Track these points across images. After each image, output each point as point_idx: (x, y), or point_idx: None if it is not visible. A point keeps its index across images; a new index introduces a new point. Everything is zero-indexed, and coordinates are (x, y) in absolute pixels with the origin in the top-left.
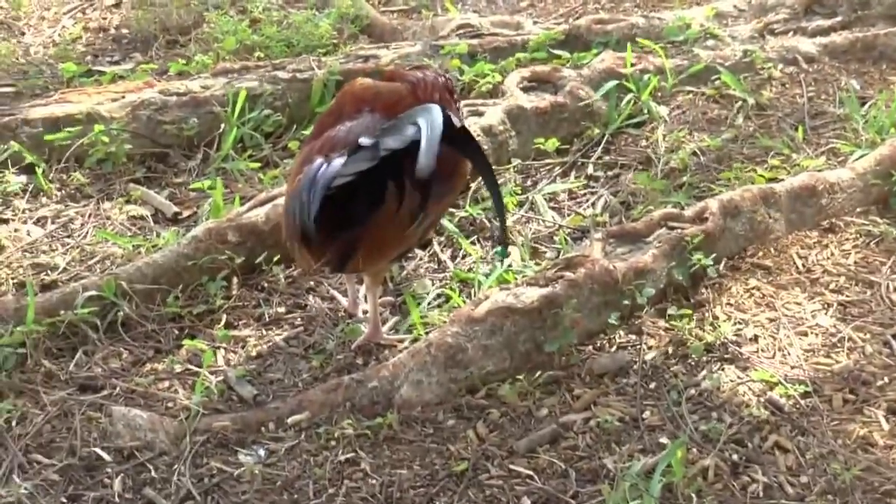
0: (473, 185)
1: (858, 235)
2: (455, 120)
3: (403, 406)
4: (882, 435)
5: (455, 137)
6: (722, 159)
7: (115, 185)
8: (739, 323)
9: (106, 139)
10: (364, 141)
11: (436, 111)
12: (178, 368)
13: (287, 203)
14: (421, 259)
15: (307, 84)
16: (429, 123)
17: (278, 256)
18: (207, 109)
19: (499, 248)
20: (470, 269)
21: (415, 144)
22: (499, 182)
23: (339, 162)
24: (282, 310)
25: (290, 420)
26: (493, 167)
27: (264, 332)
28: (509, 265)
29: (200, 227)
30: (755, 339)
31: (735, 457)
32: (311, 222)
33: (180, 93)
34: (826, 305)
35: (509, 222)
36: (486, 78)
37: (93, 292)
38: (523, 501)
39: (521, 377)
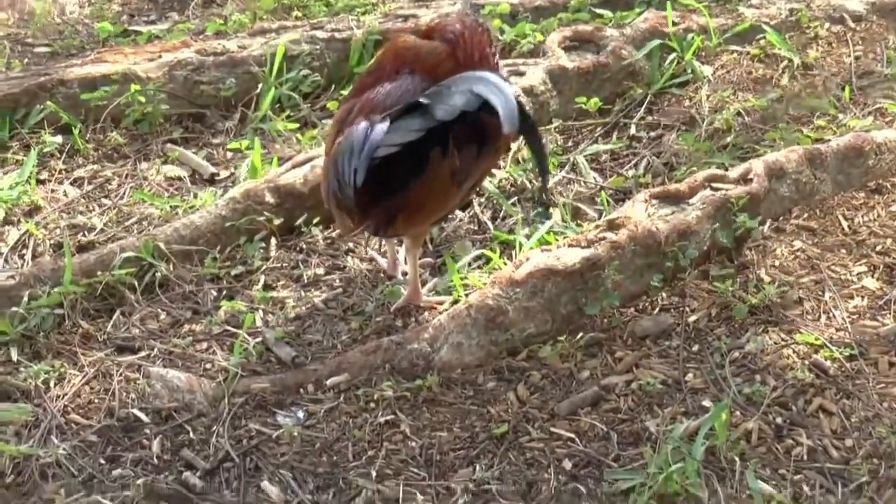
0: (514, 146)
1: None
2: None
3: (443, 368)
4: None
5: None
6: (767, 119)
7: (151, 145)
8: (784, 285)
9: (142, 99)
10: (426, 101)
11: (505, 86)
12: (216, 330)
13: (326, 166)
14: (461, 220)
15: (346, 44)
16: (501, 96)
17: (317, 218)
18: (245, 69)
19: (540, 210)
20: (511, 231)
21: (463, 115)
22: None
23: (382, 128)
24: (320, 271)
25: (329, 382)
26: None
27: (303, 294)
28: (551, 227)
29: (238, 188)
30: (800, 301)
31: (779, 420)
32: (351, 191)
33: (217, 52)
34: (872, 267)
35: (550, 183)
36: (528, 38)
37: (130, 253)
38: (564, 464)
39: (562, 339)
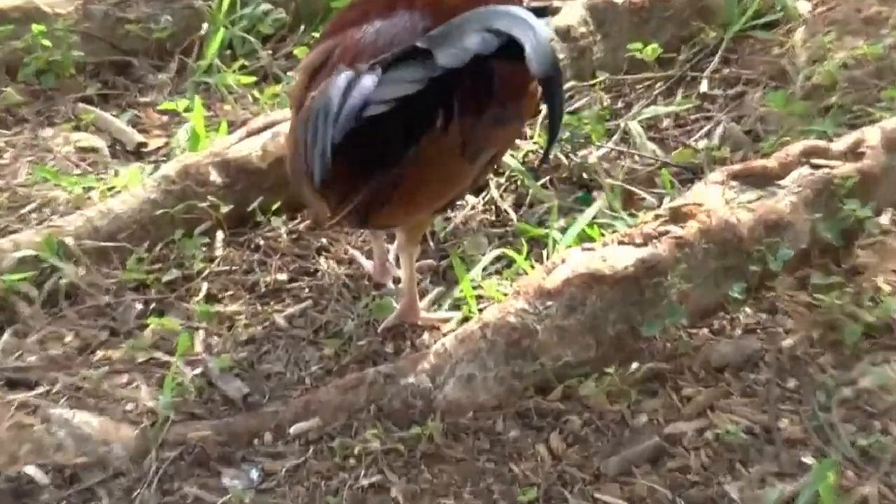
0: (545, 110)
1: None
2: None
3: (449, 411)
4: None
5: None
6: (883, 73)
7: (58, 105)
8: None
9: (48, 43)
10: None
11: (533, 19)
12: (140, 357)
13: (294, 129)
14: (474, 208)
15: None
16: (529, 31)
17: (279, 204)
18: (185, 4)
19: (581, 194)
20: (541, 222)
21: (476, 60)
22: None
23: (370, 80)
24: (283, 277)
25: (293, 429)
26: (574, 83)
27: (259, 308)
28: (595, 217)
29: (173, 163)
30: None
31: None
32: (320, 165)
33: None
34: None
35: (594, 158)
36: None
37: (27, 252)
38: None
39: (610, 371)
